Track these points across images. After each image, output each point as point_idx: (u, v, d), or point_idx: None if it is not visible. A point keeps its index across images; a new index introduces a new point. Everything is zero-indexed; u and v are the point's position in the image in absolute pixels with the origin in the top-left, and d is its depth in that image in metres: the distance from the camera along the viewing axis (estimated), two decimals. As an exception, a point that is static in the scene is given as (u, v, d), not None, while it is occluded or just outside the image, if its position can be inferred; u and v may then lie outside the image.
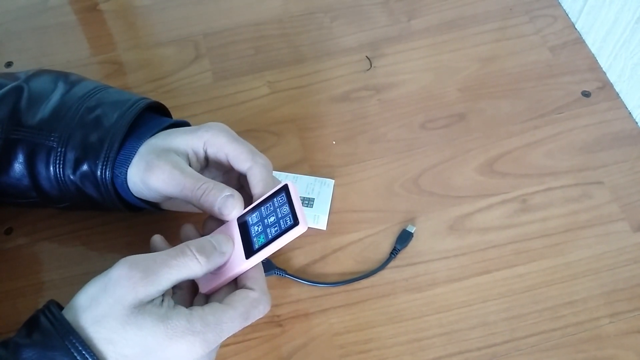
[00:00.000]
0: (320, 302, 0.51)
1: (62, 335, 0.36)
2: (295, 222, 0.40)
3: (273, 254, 0.42)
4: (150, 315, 0.37)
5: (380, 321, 0.50)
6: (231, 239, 0.42)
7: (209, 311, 0.39)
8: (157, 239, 0.44)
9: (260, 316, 0.41)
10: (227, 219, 0.44)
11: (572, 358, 0.48)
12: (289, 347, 0.49)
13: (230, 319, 0.39)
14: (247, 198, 0.46)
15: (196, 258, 0.39)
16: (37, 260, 0.54)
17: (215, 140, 0.46)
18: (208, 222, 0.45)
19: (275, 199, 0.42)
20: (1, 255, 0.54)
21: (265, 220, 0.42)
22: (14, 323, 0.50)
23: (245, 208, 0.44)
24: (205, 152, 0.46)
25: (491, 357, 0.48)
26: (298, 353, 0.49)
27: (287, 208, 0.41)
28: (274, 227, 0.41)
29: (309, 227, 0.41)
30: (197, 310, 0.38)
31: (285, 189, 0.42)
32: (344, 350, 0.49)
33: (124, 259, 0.38)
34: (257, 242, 0.42)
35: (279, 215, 0.41)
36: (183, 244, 0.40)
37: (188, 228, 0.45)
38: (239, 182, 0.49)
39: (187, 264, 0.39)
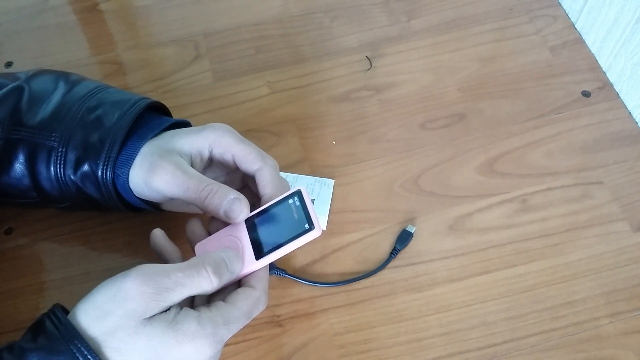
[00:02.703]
0: (320, 302, 0.51)
1: (67, 339, 0.36)
2: (311, 227, 0.41)
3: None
4: (159, 322, 0.37)
5: (380, 321, 0.50)
6: (241, 257, 0.42)
7: (217, 312, 0.39)
8: (157, 233, 0.43)
9: (258, 313, 0.41)
10: (233, 222, 0.44)
11: (572, 358, 0.48)
12: (289, 347, 0.49)
13: (236, 318, 0.39)
14: (252, 196, 0.46)
15: (210, 279, 0.39)
16: (37, 260, 0.54)
17: (221, 141, 0.46)
18: (214, 220, 0.46)
19: (287, 203, 0.43)
20: (1, 255, 0.54)
21: (277, 223, 0.42)
22: (14, 323, 0.50)
23: (250, 209, 0.44)
24: (210, 153, 0.46)
25: (491, 357, 0.48)
26: (298, 353, 0.49)
27: (302, 212, 0.42)
28: (287, 231, 0.42)
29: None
30: (206, 312, 0.39)
31: (298, 193, 0.43)
32: (344, 350, 0.49)
33: (136, 269, 0.38)
34: (267, 244, 0.42)
35: (293, 219, 0.42)
36: (199, 261, 0.39)
37: (195, 224, 0.45)
38: (243, 181, 0.50)
39: (200, 284, 0.38)
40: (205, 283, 0.39)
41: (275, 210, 0.43)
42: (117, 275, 0.38)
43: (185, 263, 0.39)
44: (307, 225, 0.41)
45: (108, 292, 0.37)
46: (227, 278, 0.40)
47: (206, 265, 0.39)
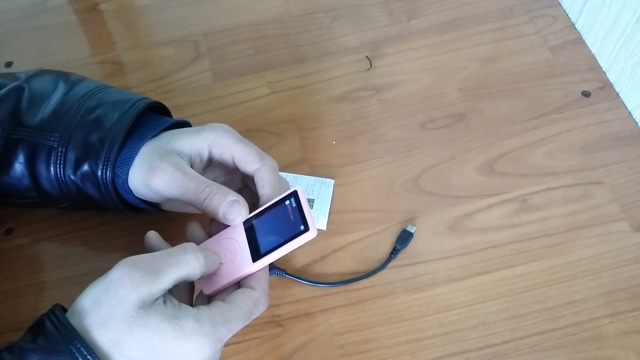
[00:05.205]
0: (320, 302, 0.51)
1: (66, 340, 0.36)
2: (306, 228, 0.41)
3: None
4: (155, 315, 0.37)
5: (380, 321, 0.50)
6: (217, 253, 0.43)
7: (216, 311, 0.39)
8: (151, 235, 0.43)
9: (258, 314, 0.41)
10: (231, 224, 0.44)
11: (572, 358, 0.48)
12: (289, 347, 0.49)
13: (235, 318, 0.39)
14: (252, 196, 0.46)
15: (197, 256, 0.40)
16: (37, 260, 0.54)
17: (221, 141, 0.46)
18: (214, 221, 0.46)
19: (284, 204, 0.43)
20: (1, 255, 0.54)
21: (274, 225, 0.42)
22: (14, 323, 0.50)
23: (250, 210, 0.44)
24: (210, 153, 0.46)
25: (491, 357, 0.48)
26: (298, 353, 0.49)
27: (297, 213, 0.42)
28: (283, 232, 0.41)
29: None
30: (204, 310, 0.39)
31: (294, 194, 0.42)
32: (344, 350, 0.49)
33: (123, 260, 0.38)
34: (264, 246, 0.42)
35: (288, 221, 0.42)
36: (184, 243, 0.40)
37: (194, 227, 0.45)
38: (243, 181, 0.50)
39: (187, 261, 0.39)
40: (192, 259, 0.39)
41: (272, 211, 0.43)
42: (107, 272, 0.38)
43: (170, 248, 0.40)
44: (302, 227, 0.41)
45: (100, 286, 0.38)
46: (212, 265, 0.41)
47: (191, 244, 0.40)
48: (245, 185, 0.50)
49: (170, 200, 0.46)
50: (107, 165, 0.46)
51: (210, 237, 0.45)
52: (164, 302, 0.38)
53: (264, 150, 0.47)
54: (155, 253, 0.39)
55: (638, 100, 0.60)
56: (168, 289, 0.38)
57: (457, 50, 0.66)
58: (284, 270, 0.52)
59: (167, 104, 0.53)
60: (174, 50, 0.67)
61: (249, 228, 0.43)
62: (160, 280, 0.37)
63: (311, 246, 0.53)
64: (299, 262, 0.53)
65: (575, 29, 0.67)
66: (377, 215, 0.55)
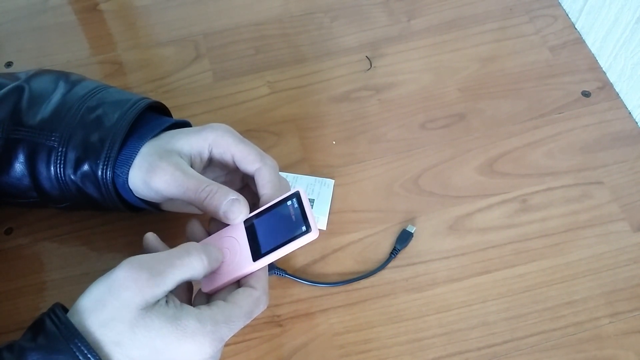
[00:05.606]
0: (320, 302, 0.51)
1: (67, 338, 0.36)
2: (308, 229, 0.41)
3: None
4: (158, 316, 0.37)
5: (380, 321, 0.50)
6: (220, 250, 0.43)
7: (217, 311, 0.39)
8: (150, 237, 0.43)
9: (258, 314, 0.41)
10: (232, 223, 0.44)
11: (572, 358, 0.48)
12: (289, 347, 0.49)
13: (236, 317, 0.39)
14: (252, 196, 0.46)
15: (200, 257, 0.40)
16: (38, 260, 0.54)
17: (221, 141, 0.46)
18: (214, 221, 0.46)
19: (285, 205, 0.43)
20: (1, 255, 0.54)
21: (275, 225, 0.42)
22: (14, 323, 0.50)
23: (250, 210, 0.44)
24: (210, 153, 0.46)
25: (491, 357, 0.48)
26: (298, 353, 0.49)
27: (299, 214, 0.42)
28: (284, 232, 0.42)
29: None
30: (206, 310, 0.39)
31: (296, 195, 0.43)
32: (344, 350, 0.49)
33: (127, 260, 0.38)
34: (265, 245, 0.42)
35: (290, 221, 0.42)
36: (187, 243, 0.41)
37: (195, 225, 0.46)
38: (243, 181, 0.50)
39: (192, 263, 0.39)
40: (197, 262, 0.39)
41: (273, 211, 0.43)
42: (110, 271, 0.38)
43: (173, 248, 0.40)
44: (304, 228, 0.41)
45: (103, 285, 0.38)
46: (214, 264, 0.41)
47: (195, 245, 0.40)
48: (245, 185, 0.50)
49: (170, 200, 0.46)
50: (107, 165, 0.46)
51: (210, 236, 0.45)
52: (166, 302, 0.38)
53: (264, 150, 0.47)
54: (159, 254, 0.39)
55: (638, 100, 0.60)
56: (171, 289, 0.38)
57: (457, 50, 0.66)
58: (284, 270, 0.52)
59: (167, 104, 0.53)
60: (174, 50, 0.67)
61: (250, 227, 0.43)
62: (165, 283, 0.37)
63: (311, 246, 0.53)
64: (299, 262, 0.53)
65: (575, 29, 0.67)
66: (377, 215, 0.55)
